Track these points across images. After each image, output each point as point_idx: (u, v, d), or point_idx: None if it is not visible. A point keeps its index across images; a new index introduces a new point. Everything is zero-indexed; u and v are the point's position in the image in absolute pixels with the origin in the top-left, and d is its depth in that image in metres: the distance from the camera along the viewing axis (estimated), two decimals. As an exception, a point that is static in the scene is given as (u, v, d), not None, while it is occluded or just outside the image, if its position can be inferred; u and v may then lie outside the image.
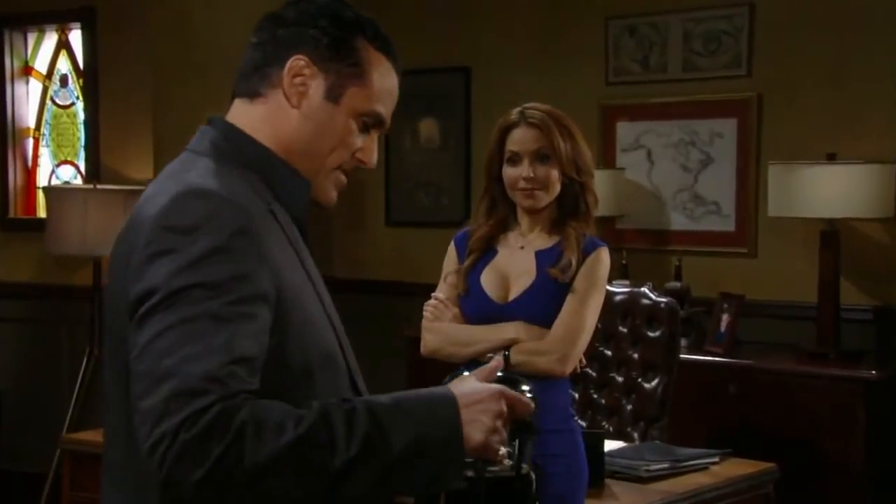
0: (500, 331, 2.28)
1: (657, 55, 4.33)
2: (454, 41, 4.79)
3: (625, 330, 3.14)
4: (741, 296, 3.90)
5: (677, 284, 4.03)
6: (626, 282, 3.72)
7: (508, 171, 2.33)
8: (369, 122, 1.38)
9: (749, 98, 4.13)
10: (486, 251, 2.37)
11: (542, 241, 2.35)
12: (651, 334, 3.08)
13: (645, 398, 3.05)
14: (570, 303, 2.27)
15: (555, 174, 2.30)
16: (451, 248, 2.44)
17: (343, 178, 1.40)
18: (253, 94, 1.37)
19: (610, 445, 2.64)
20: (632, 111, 4.39)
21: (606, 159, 4.41)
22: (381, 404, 1.19)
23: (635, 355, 3.10)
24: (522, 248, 2.35)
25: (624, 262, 4.14)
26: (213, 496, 1.10)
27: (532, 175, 2.30)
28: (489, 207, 2.39)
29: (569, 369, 2.27)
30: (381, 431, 1.15)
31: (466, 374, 1.29)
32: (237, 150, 1.33)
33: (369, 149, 1.40)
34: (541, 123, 2.30)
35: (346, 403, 1.18)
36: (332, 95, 1.35)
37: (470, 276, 2.35)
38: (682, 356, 3.22)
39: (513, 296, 2.31)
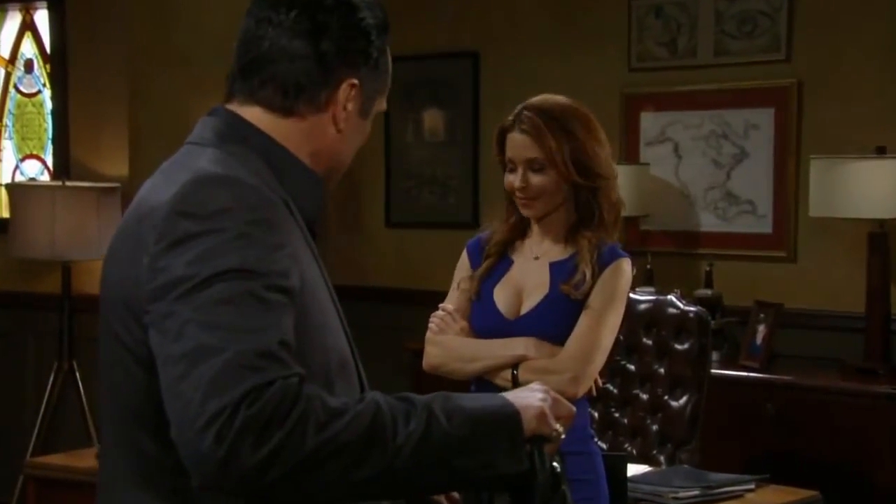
0: (508, 346, 2.29)
1: (685, 38, 4.34)
2: (461, 23, 4.81)
3: (650, 342, 3.14)
4: (779, 304, 3.90)
5: (708, 292, 4.04)
6: (652, 289, 3.73)
7: (507, 178, 2.37)
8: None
9: (788, 85, 4.13)
10: (503, 257, 2.40)
11: (558, 251, 2.37)
12: (679, 347, 3.09)
13: (672, 418, 3.06)
14: (584, 319, 2.28)
15: (551, 183, 2.31)
16: (464, 257, 2.46)
17: None
18: (288, 112, 1.36)
19: (633, 470, 2.65)
20: (657, 100, 4.40)
21: (629, 154, 4.42)
22: (429, 396, 1.24)
23: (661, 370, 3.11)
24: (537, 258, 2.37)
25: (649, 267, 4.14)
26: (270, 480, 1.12)
27: (524, 185, 2.32)
28: (507, 208, 2.42)
29: (582, 391, 2.28)
30: (441, 411, 1.21)
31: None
32: (243, 141, 1.34)
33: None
34: (532, 130, 2.30)
35: (398, 395, 1.23)
36: (365, 111, 1.40)
37: (484, 285, 2.38)
38: (713, 371, 3.23)
39: (525, 310, 2.33)
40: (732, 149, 4.27)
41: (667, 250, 4.36)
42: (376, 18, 1.38)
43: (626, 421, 3.15)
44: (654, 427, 3.09)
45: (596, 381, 2.33)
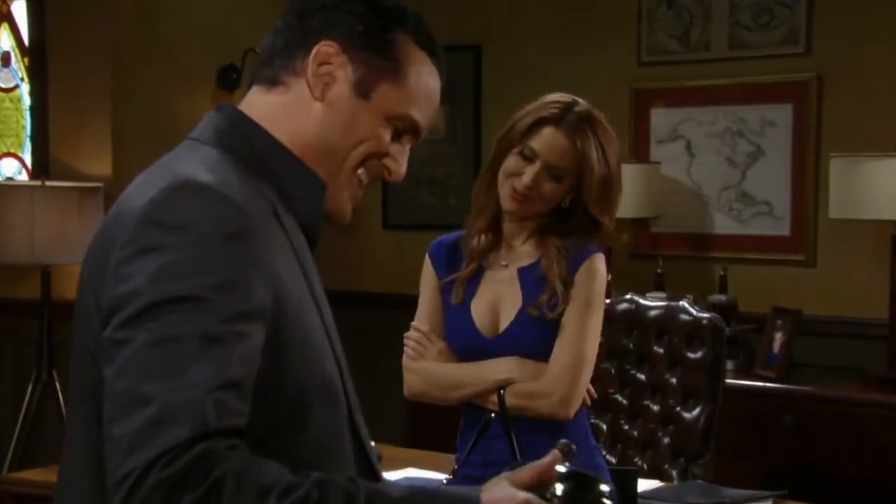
0: (490, 371, 2.27)
1: (699, 30, 4.34)
2: (462, 15, 4.81)
3: (661, 350, 3.14)
4: (797, 311, 3.90)
5: (722, 297, 4.04)
6: (663, 294, 3.73)
7: (511, 162, 2.29)
8: (401, 128, 1.40)
9: (807, 80, 4.14)
10: (481, 255, 2.35)
11: (525, 254, 2.33)
12: (692, 356, 3.09)
13: (685, 430, 3.06)
14: (564, 333, 2.26)
15: (558, 194, 2.27)
16: (427, 264, 2.41)
17: (360, 191, 1.42)
18: (272, 82, 1.38)
19: (644, 485, 2.65)
20: (669, 96, 4.40)
21: (639, 152, 4.43)
22: (391, 497, 1.20)
23: (673, 380, 3.11)
24: (506, 265, 2.33)
25: (660, 271, 4.15)
26: None
27: (533, 185, 2.25)
28: (485, 205, 2.35)
29: (573, 411, 2.27)
30: None
31: (508, 474, 1.30)
32: (244, 141, 1.35)
33: (399, 158, 1.41)
34: (579, 138, 2.25)
35: (349, 484, 1.19)
36: (362, 90, 1.36)
37: (465, 295, 2.33)
38: (728, 381, 3.23)
39: (502, 327, 2.30)
40: (748, 147, 4.27)
41: (679, 253, 4.36)
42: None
43: (636, 433, 3.15)
44: (666, 440, 3.09)
45: (589, 390, 2.32)
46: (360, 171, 1.40)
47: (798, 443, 3.70)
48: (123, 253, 1.20)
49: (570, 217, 2.30)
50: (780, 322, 3.91)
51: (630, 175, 4.30)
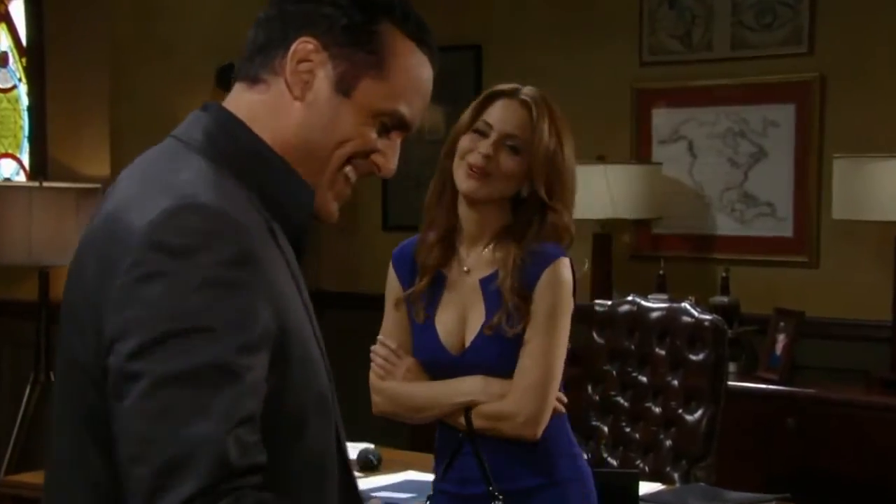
0: (455, 392, 2.21)
1: (701, 30, 4.34)
2: (462, 14, 4.81)
3: (662, 352, 3.14)
4: (800, 312, 3.90)
5: (724, 299, 4.04)
6: (665, 296, 3.73)
7: (465, 141, 2.21)
8: (388, 123, 1.35)
9: (810, 80, 4.14)
10: (435, 270, 2.28)
11: (485, 261, 2.25)
12: (694, 357, 3.09)
13: (687, 433, 3.06)
14: (527, 349, 2.17)
15: (516, 172, 2.18)
16: (391, 273, 2.36)
17: (347, 189, 1.38)
18: (253, 80, 1.34)
19: (646, 488, 2.65)
20: (671, 96, 4.40)
21: (641, 152, 4.42)
22: None
23: (675, 382, 3.11)
24: (468, 271, 2.25)
25: (661, 272, 4.14)
26: None
27: (490, 156, 2.17)
28: (435, 208, 2.28)
29: (540, 430, 2.19)
30: None
31: None
32: (234, 146, 1.32)
33: (389, 154, 1.37)
34: (535, 108, 2.19)
35: None
36: (343, 87, 1.32)
37: (427, 309, 2.27)
38: (730, 383, 3.23)
39: (468, 342, 2.23)
40: (750, 147, 4.27)
41: (680, 255, 4.36)
42: None
43: (637, 436, 3.15)
44: (668, 442, 3.09)
45: (560, 398, 2.24)
46: (346, 169, 1.36)
47: (801, 445, 3.70)
48: (127, 278, 1.18)
49: (528, 213, 2.21)
50: (782, 324, 3.91)
51: (631, 176, 4.31)
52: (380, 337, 2.34)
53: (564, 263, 2.19)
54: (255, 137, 1.33)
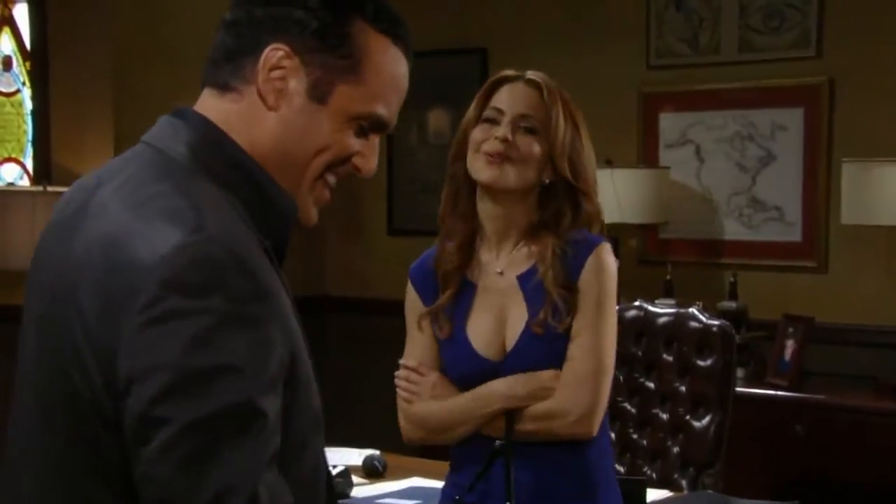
0: (484, 402, 2.10)
1: (708, 33, 4.34)
2: (467, 17, 4.81)
3: (670, 358, 3.13)
4: (809, 318, 3.89)
5: (732, 304, 4.03)
6: (672, 301, 3.72)
7: (477, 133, 2.12)
8: (367, 126, 1.33)
9: (818, 83, 4.13)
10: (462, 280, 2.17)
11: (520, 259, 2.15)
12: (701, 363, 3.08)
13: (694, 439, 3.05)
14: (578, 340, 2.08)
15: (537, 154, 2.09)
16: (411, 290, 2.25)
17: (326, 193, 1.35)
18: (223, 87, 1.31)
19: (653, 495, 2.64)
20: (678, 100, 4.40)
21: (647, 156, 4.42)
22: None
23: (683, 388, 3.10)
24: (501, 273, 2.16)
25: (668, 277, 4.14)
26: None
27: (509, 138, 2.08)
28: (450, 218, 2.19)
29: (595, 427, 2.10)
30: None
31: None
32: (220, 159, 1.29)
33: (368, 154, 1.34)
34: (544, 88, 2.12)
35: None
36: (318, 94, 1.29)
37: (455, 322, 2.15)
38: (738, 390, 3.22)
39: (510, 346, 2.12)
40: (758, 151, 4.26)
41: (688, 260, 4.35)
42: None
43: (644, 442, 3.14)
44: (675, 449, 3.08)
45: None
46: (326, 175, 1.33)
47: (810, 452, 3.69)
48: (141, 319, 1.14)
49: (557, 202, 2.13)
50: (791, 329, 3.90)
51: (638, 180, 4.30)
52: (401, 360, 2.23)
53: (607, 249, 2.11)
54: (238, 149, 1.30)
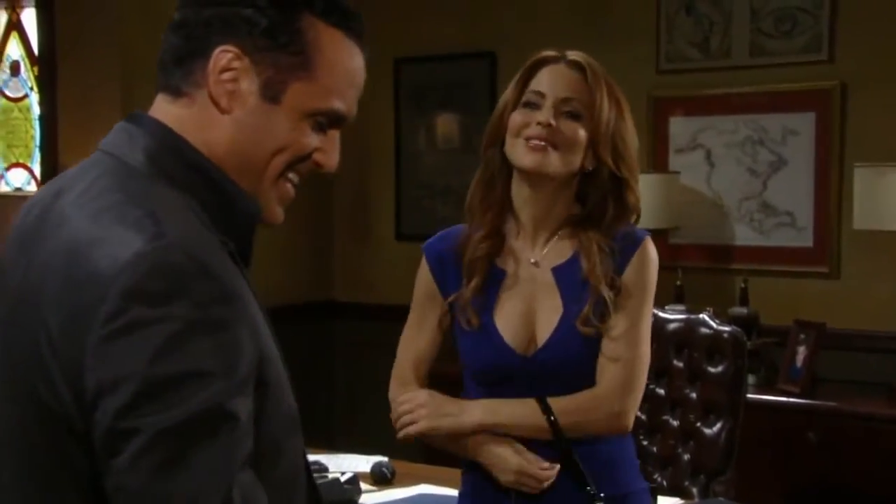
0: (465, 414, 2.05)
1: (719, 37, 4.33)
2: (476, 21, 4.81)
3: (680, 364, 3.13)
4: (821, 324, 3.88)
5: (743, 310, 4.02)
6: (682, 307, 3.71)
7: (516, 118, 2.04)
8: (325, 122, 1.32)
9: (830, 88, 4.12)
10: (491, 267, 2.09)
11: (557, 251, 2.08)
12: (712, 370, 3.07)
13: (705, 446, 3.04)
14: (614, 333, 2.03)
15: (583, 139, 2.02)
16: (423, 266, 2.17)
17: (290, 189, 1.34)
18: (175, 92, 1.31)
19: (664, 503, 2.63)
20: (688, 104, 4.39)
21: (658, 161, 4.41)
22: None
23: (693, 395, 3.09)
24: (535, 263, 2.09)
25: (679, 283, 4.13)
26: None
27: (552, 123, 2.00)
28: (482, 201, 2.10)
29: (631, 422, 2.07)
30: None
31: None
32: (179, 165, 1.27)
33: (328, 149, 1.33)
34: (588, 69, 2.04)
35: None
36: (270, 93, 1.28)
37: (483, 313, 2.08)
38: (749, 396, 3.21)
39: (541, 340, 2.05)
40: (769, 156, 4.26)
41: (698, 265, 4.34)
42: None
43: (655, 450, 3.13)
44: (686, 456, 3.07)
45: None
46: (288, 173, 1.32)
47: (822, 459, 3.67)
48: (104, 331, 1.13)
49: (600, 191, 2.06)
50: (803, 336, 3.89)
51: (648, 185, 4.29)
52: (389, 394, 2.20)
53: (651, 243, 2.07)
54: (196, 153, 1.29)
